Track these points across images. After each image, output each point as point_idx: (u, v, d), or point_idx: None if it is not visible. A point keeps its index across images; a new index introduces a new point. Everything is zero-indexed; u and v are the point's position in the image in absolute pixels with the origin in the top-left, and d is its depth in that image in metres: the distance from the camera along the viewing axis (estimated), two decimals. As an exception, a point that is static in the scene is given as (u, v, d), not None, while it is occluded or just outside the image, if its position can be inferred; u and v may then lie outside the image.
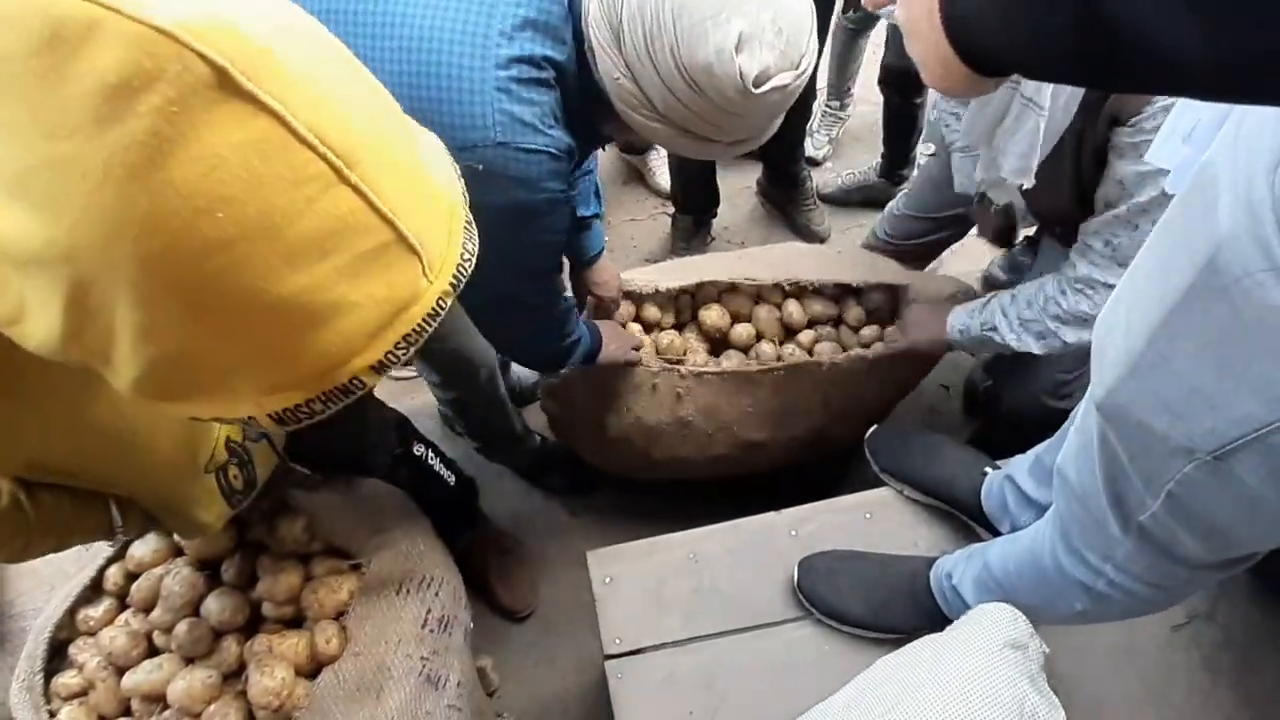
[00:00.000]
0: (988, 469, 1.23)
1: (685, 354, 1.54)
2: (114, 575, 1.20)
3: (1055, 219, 1.28)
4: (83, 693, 1.14)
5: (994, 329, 1.32)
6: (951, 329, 1.40)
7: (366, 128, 0.45)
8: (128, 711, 1.13)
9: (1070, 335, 1.23)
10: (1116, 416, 0.67)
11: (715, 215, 2.46)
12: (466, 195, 0.56)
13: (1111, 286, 1.15)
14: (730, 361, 1.52)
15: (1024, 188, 1.14)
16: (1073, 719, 1.15)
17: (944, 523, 1.28)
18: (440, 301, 0.51)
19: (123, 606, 1.20)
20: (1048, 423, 1.49)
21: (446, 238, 0.52)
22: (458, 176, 0.56)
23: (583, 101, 0.99)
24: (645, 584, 1.23)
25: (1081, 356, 1.42)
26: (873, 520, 1.28)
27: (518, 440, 1.80)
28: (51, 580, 1.34)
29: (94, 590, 1.20)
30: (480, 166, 0.91)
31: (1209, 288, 0.54)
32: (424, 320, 0.50)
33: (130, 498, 0.86)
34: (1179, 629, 1.21)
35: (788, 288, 1.57)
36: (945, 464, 1.27)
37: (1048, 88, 1.03)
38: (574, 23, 0.96)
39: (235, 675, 1.12)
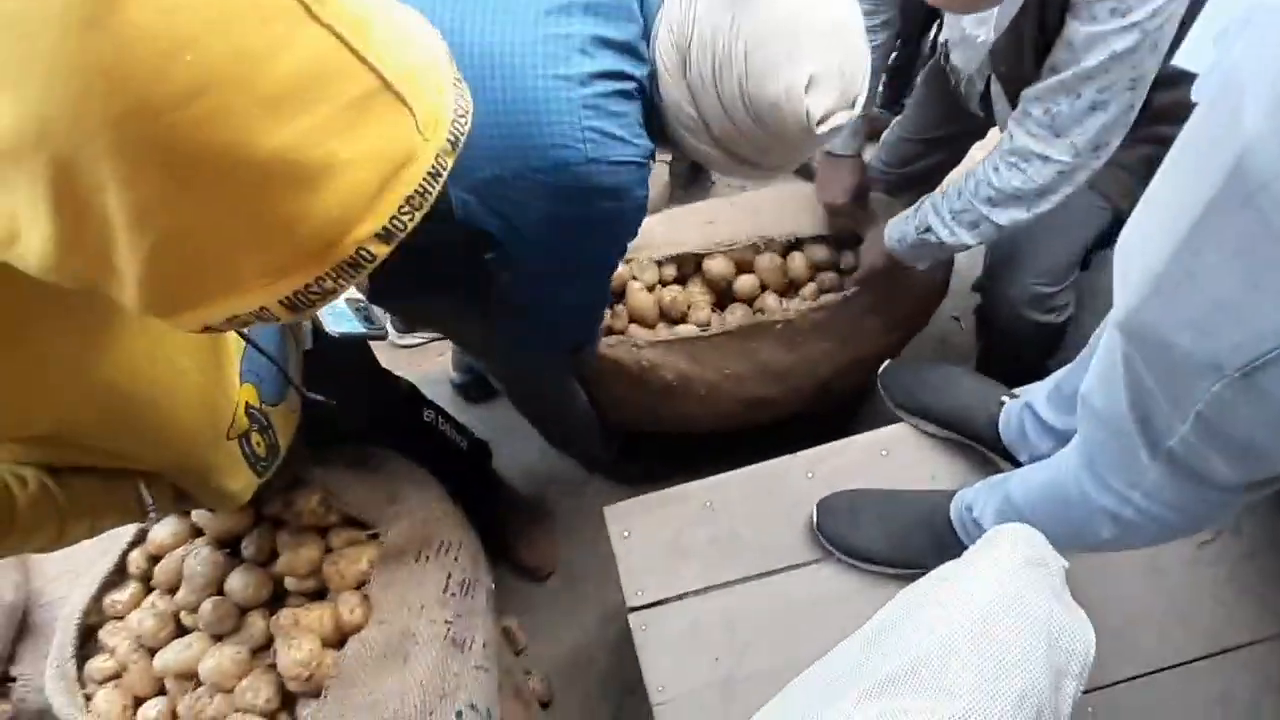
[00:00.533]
0: (1004, 398, 1.21)
1: (689, 309, 1.52)
2: (136, 559, 1.21)
3: (1017, 87, 1.23)
4: (116, 675, 1.16)
5: (928, 229, 1.27)
6: (889, 239, 1.35)
7: None
8: (162, 691, 1.15)
9: (1002, 217, 1.18)
10: (1139, 337, 0.65)
11: None
12: (471, 117, 0.53)
13: (1046, 159, 1.11)
14: (733, 316, 1.51)
15: (986, 45, 1.14)
16: (1100, 639, 1.16)
17: (962, 456, 1.27)
18: (440, 160, 0.48)
19: (148, 589, 1.21)
20: (1039, 339, 1.48)
21: (437, 93, 0.49)
22: (439, 36, 0.53)
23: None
24: (663, 535, 1.23)
25: (1060, 269, 1.41)
26: (889, 457, 1.27)
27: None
28: (77, 569, 1.36)
29: (118, 575, 1.22)
30: (573, 183, 0.92)
31: (1235, 195, 0.51)
32: (425, 180, 0.48)
33: (157, 473, 0.85)
34: (1205, 545, 1.20)
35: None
36: (960, 395, 1.25)
37: None
38: (648, 41, 0.97)
39: (263, 649, 1.14)
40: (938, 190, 1.30)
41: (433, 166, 0.48)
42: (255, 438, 0.90)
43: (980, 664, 0.61)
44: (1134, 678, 1.12)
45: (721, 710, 1.12)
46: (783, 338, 1.46)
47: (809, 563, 1.20)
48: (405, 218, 0.48)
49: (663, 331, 1.50)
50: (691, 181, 2.41)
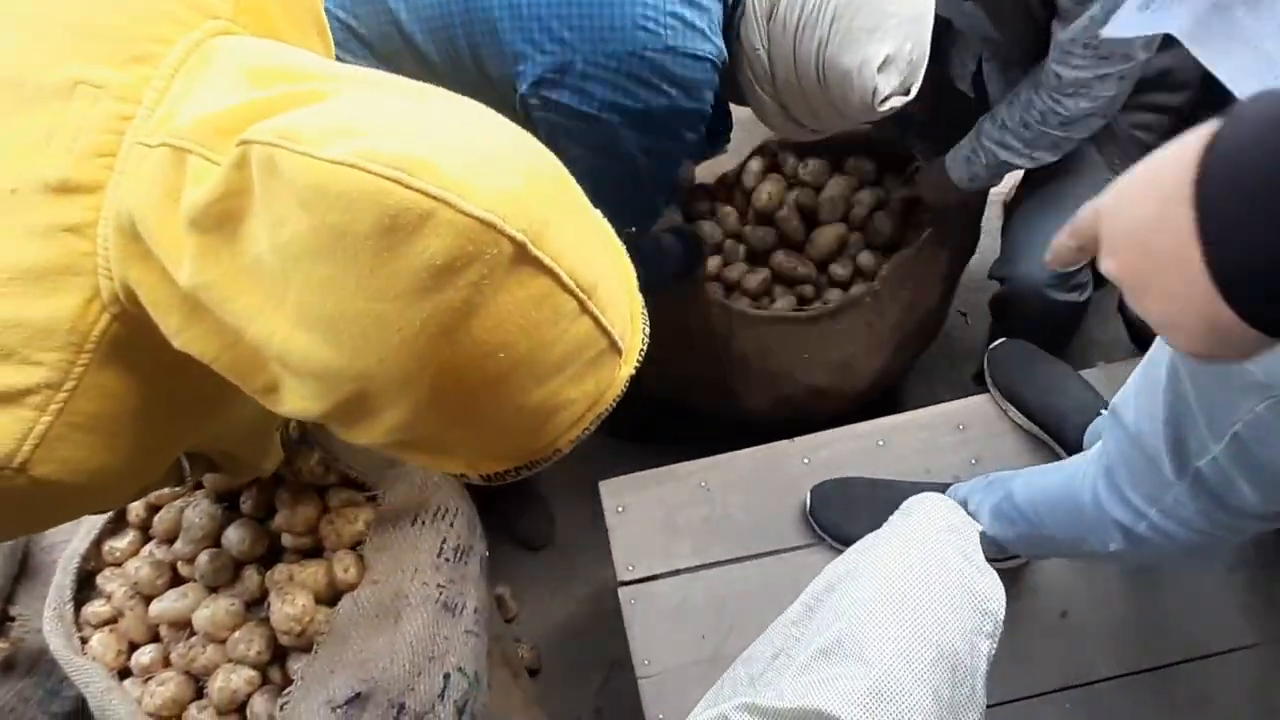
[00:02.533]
0: (1104, 410, 1.20)
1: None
2: (136, 508, 1.23)
3: (1014, 39, 1.23)
4: (112, 620, 1.18)
5: (1000, 162, 1.28)
6: (958, 176, 1.35)
7: (599, 255, 0.53)
8: (156, 638, 1.17)
9: (1082, 131, 1.20)
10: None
11: None
12: (648, 338, 0.62)
13: (1104, 78, 1.12)
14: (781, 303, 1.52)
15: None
16: (1082, 639, 1.17)
17: (956, 451, 1.28)
18: (626, 383, 0.58)
19: (146, 538, 1.23)
20: (1062, 320, 1.47)
21: (634, 326, 0.58)
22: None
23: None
24: (657, 512, 1.24)
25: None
26: (885, 447, 1.28)
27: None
28: (77, 514, 1.38)
29: (118, 523, 1.23)
30: (646, 70, 0.91)
31: None
32: (614, 400, 0.58)
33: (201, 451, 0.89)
34: (1191, 553, 1.21)
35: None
36: (1062, 399, 1.25)
37: None
38: None
39: (257, 603, 1.15)
40: (988, 126, 1.28)
41: (621, 390, 0.58)
42: (293, 423, 0.96)
43: (897, 632, 0.64)
44: (1112, 678, 1.14)
45: (706, 686, 1.12)
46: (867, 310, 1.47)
47: (800, 547, 1.21)
48: (592, 427, 0.57)
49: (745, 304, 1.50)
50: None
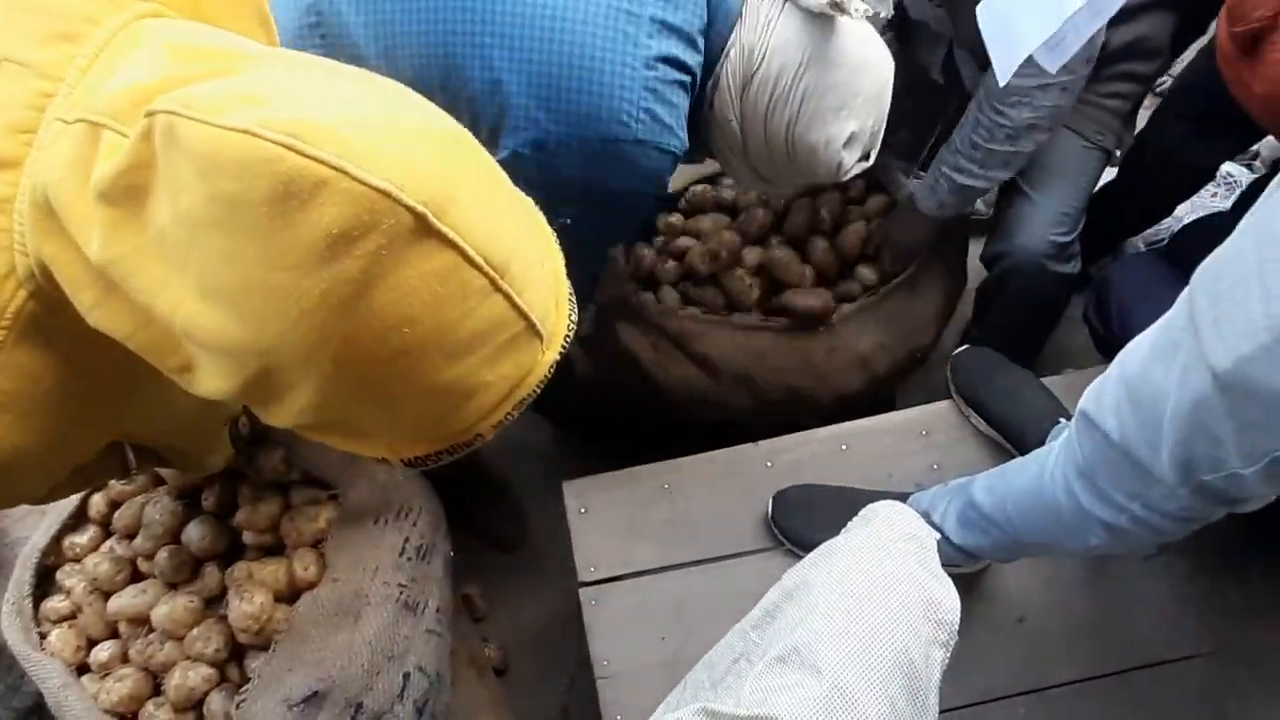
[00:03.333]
0: (1062, 419, 1.21)
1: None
2: (98, 504, 1.23)
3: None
4: (71, 616, 1.18)
5: (960, 186, 1.30)
6: (928, 209, 1.37)
7: (514, 235, 0.53)
8: (115, 634, 1.17)
9: (1028, 144, 1.22)
10: (1243, 387, 0.62)
11: None
12: (577, 326, 0.62)
13: (1045, 87, 1.13)
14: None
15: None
16: (1039, 644, 1.18)
17: (919, 456, 1.29)
18: (550, 369, 0.58)
19: (107, 534, 1.23)
20: (1058, 293, 1.49)
21: (558, 312, 0.59)
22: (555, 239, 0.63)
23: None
24: (620, 514, 1.25)
25: (1073, 215, 1.40)
26: (848, 452, 1.29)
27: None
28: (41, 508, 1.37)
29: (79, 518, 1.23)
30: (613, 160, 0.95)
31: None
32: (537, 386, 0.58)
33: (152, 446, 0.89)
34: (1150, 559, 1.22)
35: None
36: (1021, 407, 1.26)
37: None
38: (705, 39, 0.98)
39: (217, 600, 1.15)
40: (947, 149, 1.31)
41: (545, 375, 0.58)
42: (243, 419, 0.96)
43: (853, 640, 0.64)
44: (1068, 683, 1.15)
45: (664, 688, 1.12)
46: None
47: (762, 550, 1.22)
48: (515, 412, 0.58)
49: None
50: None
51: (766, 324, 1.42)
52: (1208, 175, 1.66)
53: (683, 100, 0.96)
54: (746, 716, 0.62)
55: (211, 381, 0.51)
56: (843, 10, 0.89)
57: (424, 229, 0.45)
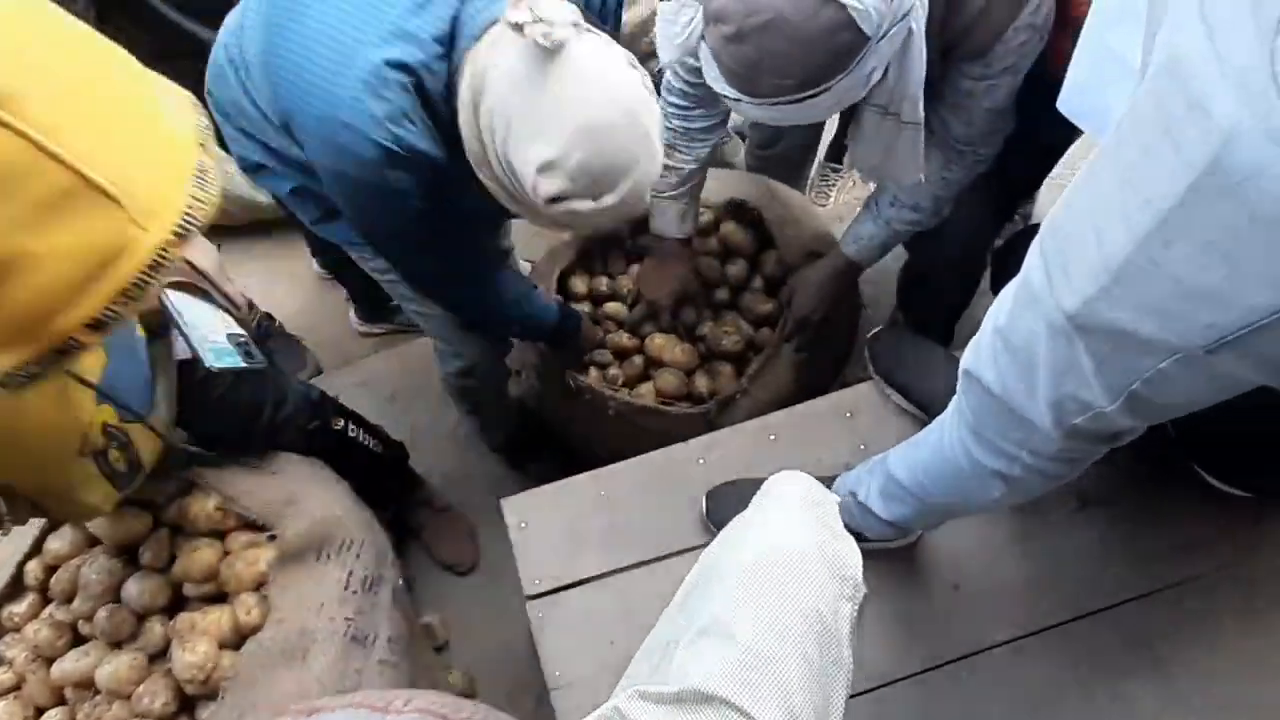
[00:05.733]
0: None
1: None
2: (34, 570, 1.22)
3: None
4: (16, 687, 1.17)
5: (902, 230, 1.37)
6: (854, 254, 1.44)
7: (44, 66, 0.45)
8: (62, 701, 1.16)
9: (947, 208, 1.33)
10: (1092, 326, 0.66)
11: None
12: (215, 205, 0.54)
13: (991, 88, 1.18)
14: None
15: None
16: (971, 606, 1.22)
17: (845, 439, 1.32)
18: (162, 253, 0.49)
19: (45, 600, 1.22)
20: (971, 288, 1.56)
21: (171, 184, 0.50)
22: (203, 126, 0.55)
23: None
24: (559, 525, 1.26)
25: (986, 216, 1.45)
26: (776, 441, 1.32)
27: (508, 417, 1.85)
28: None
29: (14, 587, 1.22)
30: (338, 141, 1.01)
31: (1213, 187, 0.52)
32: (143, 274, 0.49)
33: (10, 487, 0.87)
34: (1075, 514, 1.26)
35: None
36: (937, 378, 1.29)
37: (920, 102, 1.09)
38: (451, 51, 1.02)
39: (162, 655, 1.15)
40: (884, 205, 1.37)
41: (153, 259, 0.49)
42: (114, 454, 0.92)
43: (764, 603, 0.67)
44: (1007, 642, 1.18)
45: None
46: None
47: (701, 546, 1.24)
48: (119, 308, 0.49)
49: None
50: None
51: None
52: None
53: (401, 98, 1.00)
54: (671, 692, 0.64)
55: None
56: (521, 33, 0.91)
57: None
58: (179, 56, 1.15)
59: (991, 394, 0.82)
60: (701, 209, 1.61)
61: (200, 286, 1.11)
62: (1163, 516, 1.25)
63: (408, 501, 1.73)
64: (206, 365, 1.01)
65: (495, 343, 1.56)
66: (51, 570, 1.21)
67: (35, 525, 1.23)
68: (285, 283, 2.29)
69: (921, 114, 1.11)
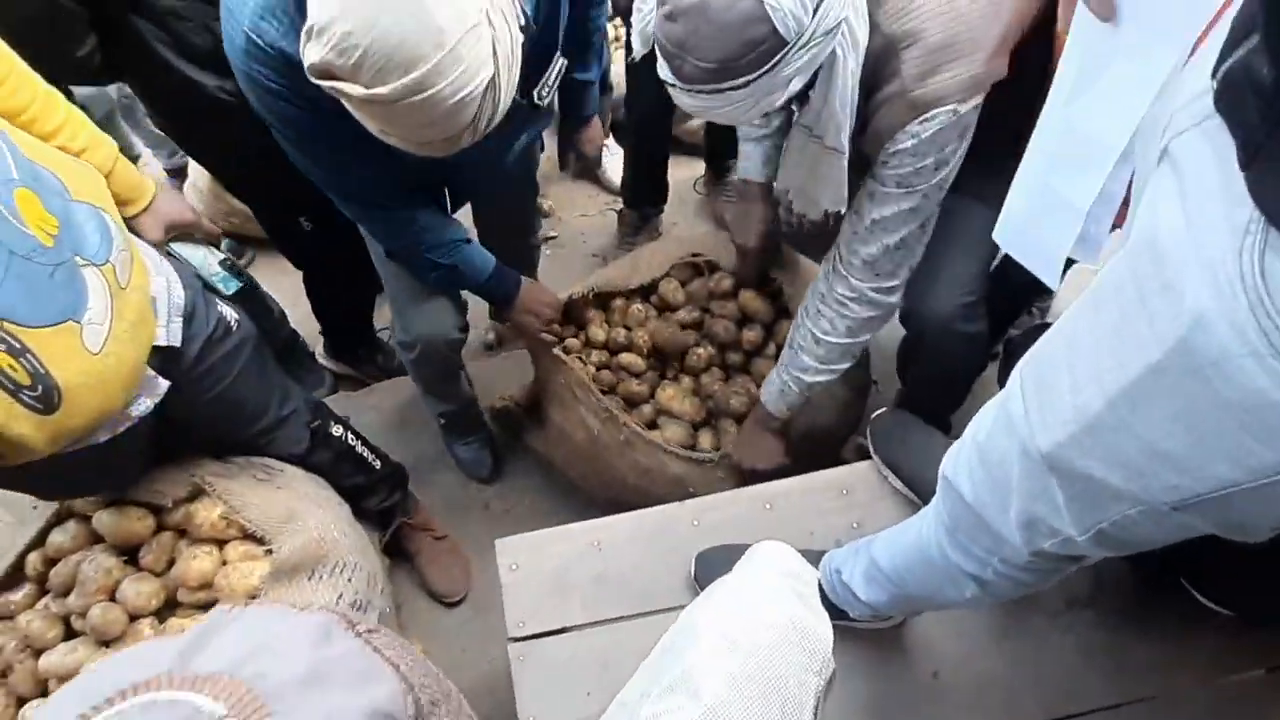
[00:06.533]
0: None
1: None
2: (34, 561, 1.25)
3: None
4: (2, 675, 1.19)
5: (807, 387, 1.40)
6: (775, 409, 1.46)
7: None
8: (45, 693, 1.18)
9: (858, 348, 1.37)
10: (1064, 468, 0.69)
11: (663, 211, 2.51)
12: None
13: (888, 289, 1.27)
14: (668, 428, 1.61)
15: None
16: (956, 695, 1.22)
17: (840, 514, 1.34)
18: None
19: (42, 592, 1.25)
20: (969, 353, 1.53)
21: None
22: None
23: None
24: (549, 570, 1.28)
25: (976, 277, 1.44)
26: (772, 511, 1.34)
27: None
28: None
29: (14, 576, 1.25)
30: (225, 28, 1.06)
31: (1181, 367, 0.55)
32: None
33: None
34: (1058, 616, 1.27)
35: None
36: (931, 466, 1.29)
37: (845, 131, 1.12)
38: None
39: (149, 657, 1.17)
40: (788, 359, 1.41)
41: None
42: (4, 360, 0.86)
43: (730, 666, 0.69)
44: (979, 737, 1.18)
45: (589, 743, 1.16)
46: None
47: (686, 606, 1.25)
48: None
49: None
50: (639, 230, 2.50)
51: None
52: None
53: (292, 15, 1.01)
54: None
55: None
56: None
57: None
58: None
59: (965, 503, 0.85)
60: (721, 274, 1.66)
61: (188, 231, 1.24)
62: (1146, 626, 1.26)
63: (406, 526, 1.75)
64: (227, 293, 1.19)
65: (444, 320, 1.54)
66: (52, 563, 1.23)
67: (42, 516, 1.26)
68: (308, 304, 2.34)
69: (845, 143, 1.14)
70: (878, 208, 1.19)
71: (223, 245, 1.98)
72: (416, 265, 1.45)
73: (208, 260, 1.26)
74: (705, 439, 1.60)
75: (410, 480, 1.76)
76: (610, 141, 2.74)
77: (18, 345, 0.86)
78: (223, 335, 1.18)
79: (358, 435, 1.51)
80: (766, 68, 0.98)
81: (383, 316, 2.23)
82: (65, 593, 1.21)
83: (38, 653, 1.18)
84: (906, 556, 1.03)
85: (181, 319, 1.11)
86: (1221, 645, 1.22)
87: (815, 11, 0.96)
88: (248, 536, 1.26)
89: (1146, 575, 1.29)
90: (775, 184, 1.39)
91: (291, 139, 1.17)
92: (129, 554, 1.23)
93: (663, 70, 1.05)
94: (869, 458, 1.43)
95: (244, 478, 1.27)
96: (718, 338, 1.66)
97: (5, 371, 0.86)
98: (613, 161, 2.72)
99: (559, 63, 1.29)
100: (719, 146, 2.52)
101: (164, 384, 1.08)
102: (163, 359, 1.08)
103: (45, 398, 0.90)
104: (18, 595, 1.22)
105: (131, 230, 1.10)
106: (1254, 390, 0.51)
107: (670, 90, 1.07)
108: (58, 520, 1.25)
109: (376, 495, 1.60)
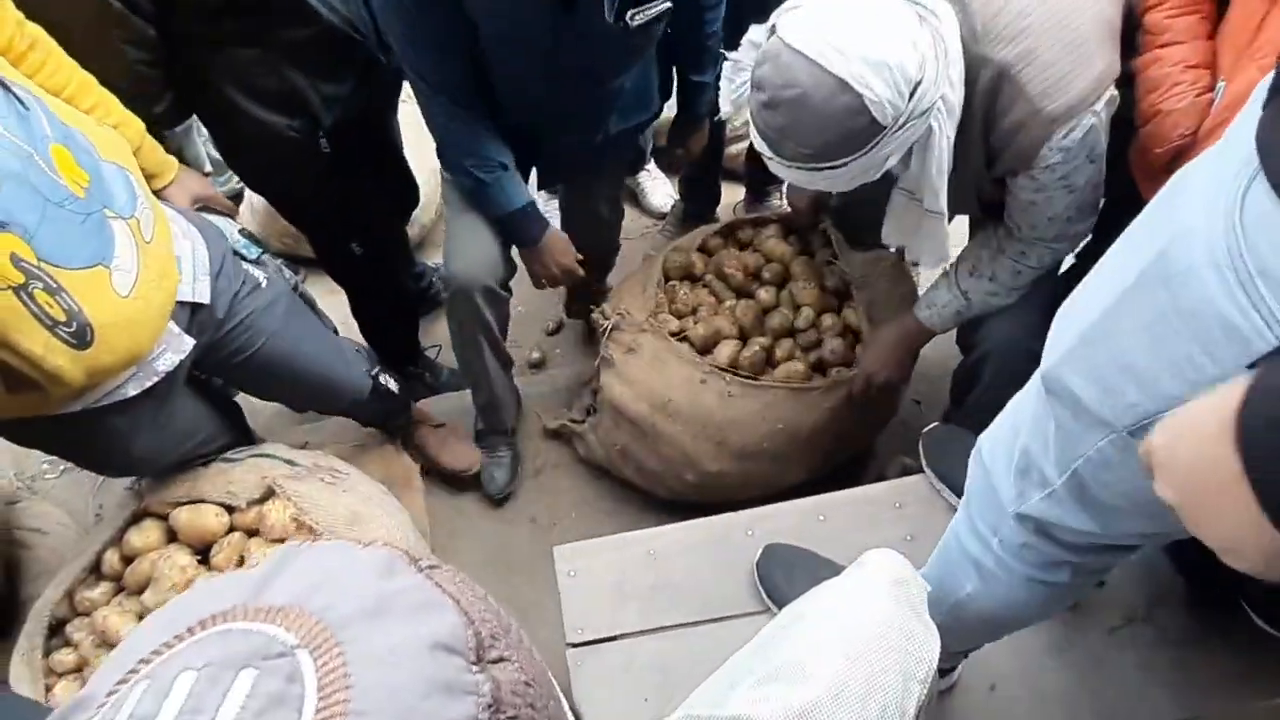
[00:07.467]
0: None
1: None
2: (110, 559, 1.28)
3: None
4: (78, 669, 1.23)
5: (976, 301, 1.37)
6: (929, 320, 1.44)
7: None
8: (120, 686, 1.21)
9: (1027, 287, 1.33)
10: (1057, 387, 0.73)
11: (715, 214, 2.55)
12: None
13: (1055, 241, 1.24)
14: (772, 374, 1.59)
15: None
16: (1013, 709, 1.22)
17: (893, 527, 1.35)
18: None
19: (118, 589, 1.28)
20: (1030, 373, 1.54)
21: None
22: None
23: None
24: (607, 578, 1.30)
25: (1044, 307, 1.45)
26: (825, 522, 1.35)
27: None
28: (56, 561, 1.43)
29: (91, 573, 1.29)
30: None
31: (1158, 274, 0.59)
32: None
33: None
34: (1116, 631, 1.27)
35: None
36: None
37: (942, 195, 1.14)
38: None
39: (219, 654, 1.20)
40: (965, 278, 1.38)
41: None
42: (42, 296, 0.91)
43: (837, 662, 0.70)
44: (1037, 750, 1.18)
45: (646, 749, 1.17)
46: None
47: (743, 615, 1.27)
48: None
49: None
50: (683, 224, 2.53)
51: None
52: None
53: None
54: (727, 717, 0.68)
55: None
56: None
57: None
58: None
59: (983, 463, 0.89)
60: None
61: (210, 206, 1.34)
62: (1209, 645, 1.25)
63: (409, 422, 1.85)
64: (250, 258, 1.30)
65: (483, 264, 1.54)
66: (128, 561, 1.27)
67: (120, 516, 1.30)
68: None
69: (944, 205, 1.16)
70: (1049, 208, 1.18)
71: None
72: (454, 168, 1.48)
73: (229, 229, 1.34)
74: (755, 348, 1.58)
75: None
76: (652, 166, 2.78)
77: (54, 285, 0.93)
78: (251, 290, 1.26)
79: (385, 372, 1.65)
80: (864, 151, 1.03)
81: (429, 335, 2.29)
82: (140, 590, 1.25)
83: (112, 648, 1.21)
84: (935, 553, 1.06)
85: (209, 277, 1.19)
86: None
87: (911, 96, 0.99)
88: (314, 537, 1.29)
89: (1205, 596, 1.29)
90: (885, 234, 1.41)
91: (399, 30, 1.29)
92: (202, 553, 1.27)
93: (760, 146, 1.09)
94: (912, 475, 1.44)
95: (312, 480, 1.30)
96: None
97: (44, 308, 0.93)
98: (654, 185, 2.76)
99: (663, 4, 1.31)
100: (760, 173, 2.56)
101: (189, 341, 1.15)
102: (193, 316, 1.16)
103: (79, 334, 0.97)
104: (94, 592, 1.26)
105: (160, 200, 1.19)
106: (1205, 299, 0.55)
107: (767, 161, 1.12)
108: (134, 520, 1.29)
109: (401, 415, 1.81)
